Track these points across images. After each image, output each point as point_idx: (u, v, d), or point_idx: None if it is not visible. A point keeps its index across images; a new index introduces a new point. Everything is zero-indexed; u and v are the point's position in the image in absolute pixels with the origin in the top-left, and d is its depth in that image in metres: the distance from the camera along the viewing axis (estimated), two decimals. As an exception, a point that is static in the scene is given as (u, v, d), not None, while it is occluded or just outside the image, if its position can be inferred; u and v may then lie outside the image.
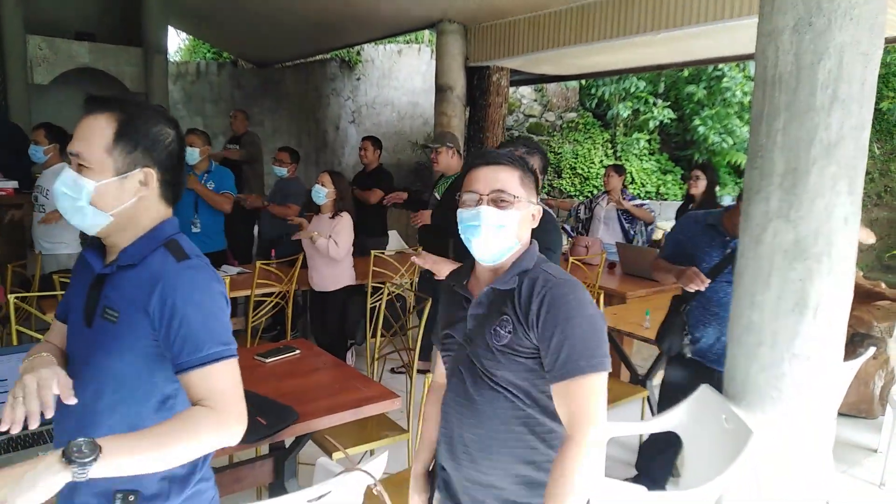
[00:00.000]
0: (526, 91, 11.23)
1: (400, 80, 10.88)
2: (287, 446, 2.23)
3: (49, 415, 1.10)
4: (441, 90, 6.74)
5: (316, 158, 10.68)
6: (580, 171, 10.73)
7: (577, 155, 10.90)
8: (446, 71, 6.71)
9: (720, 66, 9.69)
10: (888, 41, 4.95)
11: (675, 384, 2.59)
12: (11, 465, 0.97)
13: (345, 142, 10.85)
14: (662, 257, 2.72)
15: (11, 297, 2.64)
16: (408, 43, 10.97)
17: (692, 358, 2.56)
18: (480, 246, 1.36)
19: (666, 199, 10.31)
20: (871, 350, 2.86)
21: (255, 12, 7.46)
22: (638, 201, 5.36)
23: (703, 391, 2.15)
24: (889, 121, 10.57)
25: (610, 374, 1.32)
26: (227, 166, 4.85)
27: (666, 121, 10.69)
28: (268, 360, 2.51)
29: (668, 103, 10.77)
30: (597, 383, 1.25)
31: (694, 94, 10.25)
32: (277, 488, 2.20)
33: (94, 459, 0.98)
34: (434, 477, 1.55)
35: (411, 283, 4.45)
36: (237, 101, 9.88)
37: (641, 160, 10.99)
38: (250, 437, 1.80)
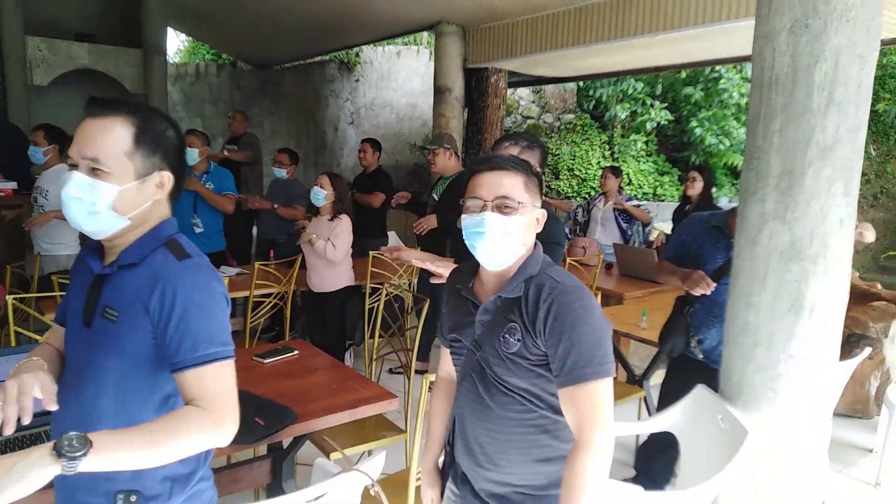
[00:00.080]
0: (524, 93, 11.25)
1: (399, 82, 10.89)
2: (285, 447, 2.24)
3: (26, 420, 1.11)
4: (439, 92, 6.76)
5: (315, 160, 10.69)
6: (578, 173, 10.75)
7: (574, 156, 10.92)
8: (445, 72, 6.73)
9: (717, 67, 9.71)
10: (884, 43, 4.97)
11: (677, 385, 2.59)
12: (2, 456, 0.99)
13: (343, 143, 10.86)
14: (666, 258, 2.70)
15: (10, 298, 2.64)
16: (406, 44, 10.99)
17: (696, 359, 2.55)
18: (485, 252, 1.36)
19: (663, 201, 10.32)
20: (867, 350, 2.87)
21: (255, 13, 7.47)
22: (634, 202, 5.38)
23: (700, 391, 2.16)
24: (885, 122, 10.59)
25: (608, 375, 1.33)
26: (225, 167, 4.86)
27: (663, 122, 10.71)
28: (266, 361, 2.51)
29: (666, 105, 10.79)
30: (602, 389, 1.26)
31: (691, 95, 10.28)
32: (275, 489, 2.20)
33: (84, 454, 0.99)
34: (445, 470, 1.58)
35: (409, 284, 4.46)
36: (236, 102, 9.88)
37: (639, 161, 11.01)
38: (248, 437, 1.81)
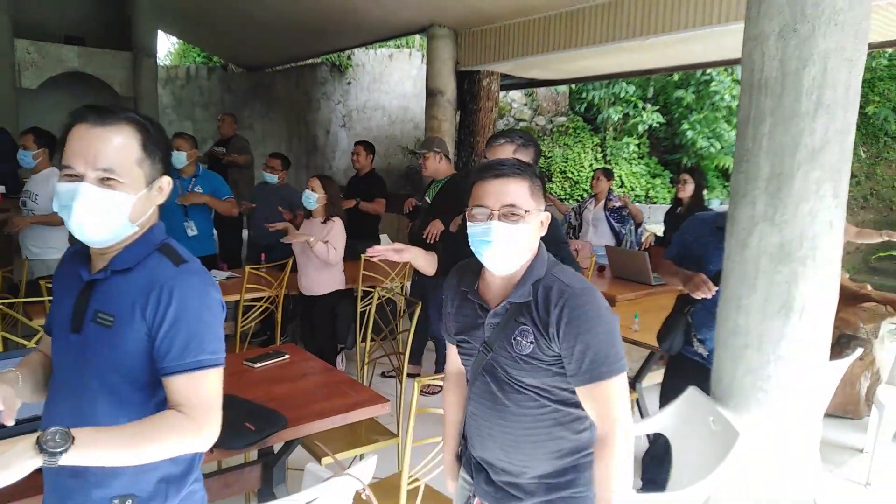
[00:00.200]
0: (516, 95, 11.28)
1: (391, 85, 10.89)
2: (276, 452, 2.22)
3: None
4: (432, 94, 6.76)
5: (306, 162, 10.67)
6: (570, 175, 10.78)
7: (567, 159, 10.95)
8: (437, 75, 6.73)
9: (708, 70, 9.77)
10: (872, 47, 5.01)
11: (678, 384, 2.57)
12: None
13: (335, 146, 10.85)
14: (669, 258, 2.68)
15: (-2, 303, 2.62)
16: (398, 47, 10.99)
17: (695, 359, 2.55)
18: (492, 260, 1.38)
19: (655, 203, 10.37)
20: (859, 351, 2.88)
21: (246, 16, 7.45)
22: (619, 202, 5.40)
23: (691, 393, 2.16)
24: (875, 125, 10.68)
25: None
26: (213, 170, 4.84)
27: (655, 125, 10.76)
28: (257, 366, 2.50)
29: (657, 108, 10.84)
30: (618, 385, 1.33)
31: (683, 98, 10.33)
32: (266, 494, 2.19)
33: (65, 451, 1.02)
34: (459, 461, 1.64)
35: (401, 287, 4.46)
36: (227, 105, 9.86)
37: (631, 164, 11.06)
38: (238, 442, 1.80)
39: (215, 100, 10.01)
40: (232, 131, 6.14)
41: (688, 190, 4.84)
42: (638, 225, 5.35)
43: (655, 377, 3.40)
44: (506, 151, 2.13)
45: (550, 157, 10.92)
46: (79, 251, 1.30)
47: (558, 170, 10.82)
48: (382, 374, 4.12)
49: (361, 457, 2.59)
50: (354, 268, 4.17)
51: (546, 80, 7.98)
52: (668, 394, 2.64)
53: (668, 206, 5.35)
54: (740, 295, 2.00)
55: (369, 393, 2.28)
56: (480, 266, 1.45)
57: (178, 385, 1.18)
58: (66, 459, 1.02)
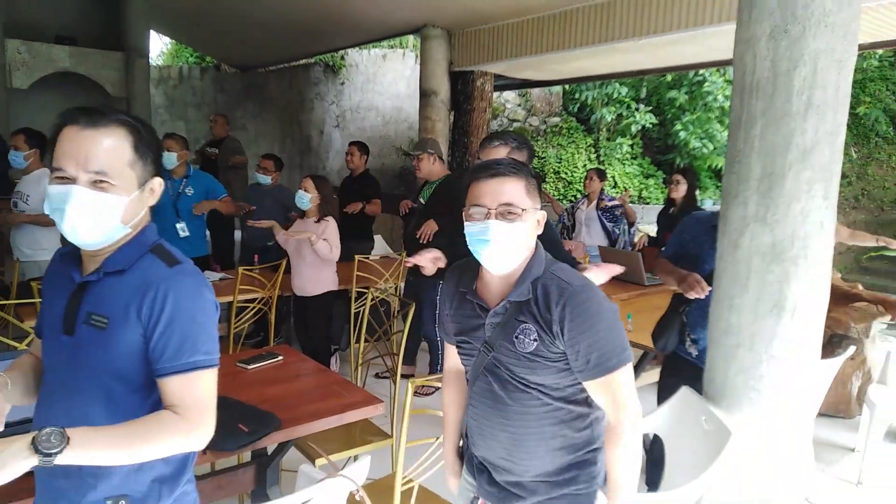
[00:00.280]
0: (510, 96, 11.29)
1: (384, 85, 10.89)
2: (269, 453, 2.22)
3: None
4: (425, 95, 6.76)
5: (300, 162, 10.66)
6: (564, 175, 10.80)
7: (560, 159, 10.97)
8: (430, 76, 6.73)
9: (701, 71, 9.81)
10: (862, 48, 5.04)
11: (674, 383, 2.58)
12: None
13: (329, 146, 10.83)
14: (665, 257, 2.69)
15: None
16: (392, 48, 10.98)
17: (689, 360, 2.55)
18: (490, 259, 1.38)
19: (648, 203, 10.40)
20: (852, 349, 2.89)
21: (239, 16, 7.43)
22: (616, 202, 5.42)
23: (684, 393, 2.17)
24: (866, 125, 10.75)
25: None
26: (205, 170, 4.83)
27: (648, 125, 10.80)
28: (250, 367, 2.49)
29: (650, 108, 10.87)
30: (625, 375, 1.36)
31: (675, 99, 10.36)
32: (260, 495, 2.19)
33: (61, 451, 1.02)
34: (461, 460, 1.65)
35: (396, 288, 4.45)
36: (220, 105, 9.83)
37: (624, 164, 11.09)
38: (232, 444, 1.80)
39: (208, 100, 9.98)
40: (224, 132, 6.13)
41: (680, 190, 4.86)
42: (630, 224, 5.37)
43: (649, 377, 3.41)
44: (500, 153, 2.14)
45: (544, 157, 10.94)
46: (70, 253, 1.29)
47: (552, 170, 10.83)
48: (376, 375, 4.12)
49: (355, 458, 2.59)
50: (348, 269, 4.17)
51: (540, 80, 8.00)
52: (664, 393, 2.65)
53: (661, 207, 5.37)
54: (732, 294, 2.01)
55: (363, 394, 2.28)
56: (478, 266, 1.46)
57: (173, 386, 1.19)
58: (62, 459, 1.03)
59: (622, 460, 1.40)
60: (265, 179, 4.88)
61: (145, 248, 1.25)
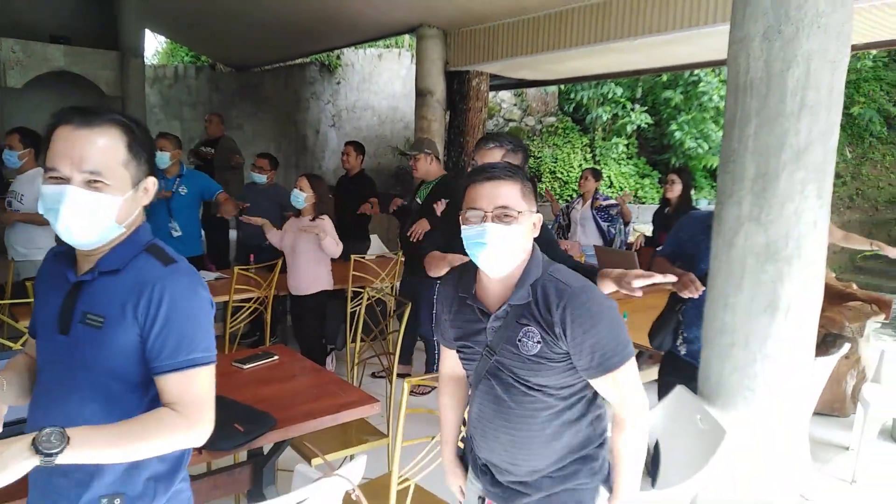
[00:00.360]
0: (506, 95, 11.31)
1: (380, 85, 10.88)
2: (265, 453, 2.22)
3: None
4: (421, 94, 6.76)
5: (296, 162, 10.63)
6: (560, 175, 10.83)
7: (556, 159, 10.99)
8: (426, 75, 6.73)
9: (696, 71, 9.84)
10: (856, 48, 5.06)
11: (671, 384, 2.58)
12: None
13: (325, 146, 10.82)
14: (663, 255, 2.70)
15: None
16: (388, 47, 10.98)
17: (685, 359, 2.56)
18: (487, 261, 1.39)
19: (643, 203, 10.43)
20: (846, 347, 2.90)
21: (234, 15, 7.41)
22: (611, 201, 5.43)
23: (679, 392, 2.18)
24: (860, 125, 10.80)
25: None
26: (200, 170, 4.82)
27: (643, 125, 10.83)
28: (246, 367, 2.49)
29: (646, 108, 10.91)
30: (629, 370, 1.38)
31: (671, 99, 10.40)
32: (256, 495, 2.19)
33: (61, 451, 1.03)
34: (463, 462, 1.66)
35: (391, 288, 4.45)
36: (215, 104, 9.79)
37: (619, 164, 11.12)
38: (227, 444, 1.79)
39: (203, 99, 9.94)
40: (219, 131, 6.11)
41: (676, 190, 4.87)
42: (626, 224, 5.38)
43: (644, 376, 3.42)
44: (495, 155, 2.14)
45: (540, 157, 10.96)
46: (64, 252, 1.29)
47: (548, 170, 10.85)
48: (372, 375, 4.12)
49: (351, 457, 2.58)
50: (344, 268, 4.17)
51: (535, 80, 8.01)
52: (663, 391, 2.66)
53: (657, 207, 5.39)
54: (727, 294, 2.02)
55: (359, 393, 2.28)
56: (476, 270, 1.47)
57: (171, 384, 1.19)
58: (63, 459, 1.03)
59: (629, 446, 1.42)
60: (260, 178, 4.87)
61: (140, 248, 1.25)
